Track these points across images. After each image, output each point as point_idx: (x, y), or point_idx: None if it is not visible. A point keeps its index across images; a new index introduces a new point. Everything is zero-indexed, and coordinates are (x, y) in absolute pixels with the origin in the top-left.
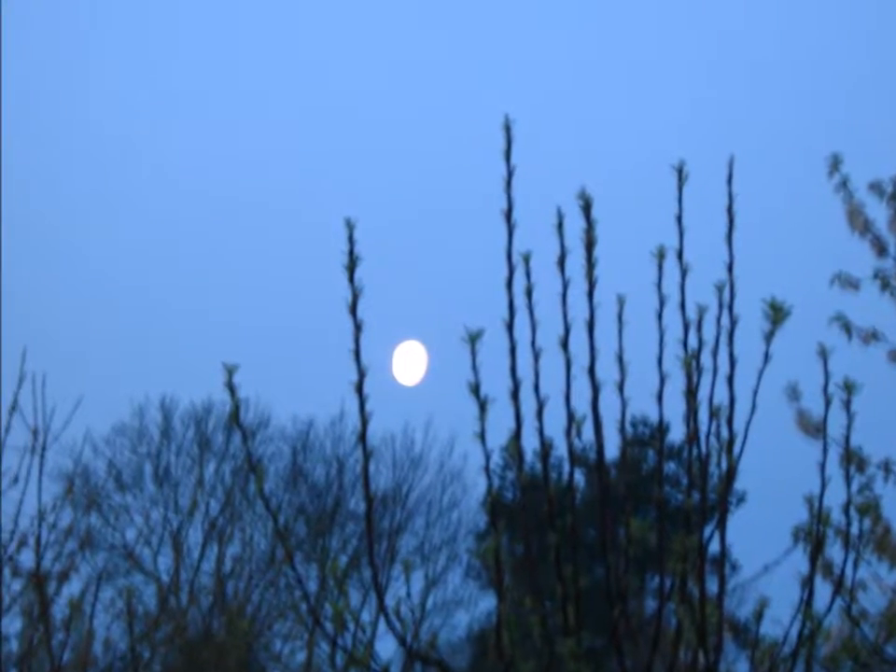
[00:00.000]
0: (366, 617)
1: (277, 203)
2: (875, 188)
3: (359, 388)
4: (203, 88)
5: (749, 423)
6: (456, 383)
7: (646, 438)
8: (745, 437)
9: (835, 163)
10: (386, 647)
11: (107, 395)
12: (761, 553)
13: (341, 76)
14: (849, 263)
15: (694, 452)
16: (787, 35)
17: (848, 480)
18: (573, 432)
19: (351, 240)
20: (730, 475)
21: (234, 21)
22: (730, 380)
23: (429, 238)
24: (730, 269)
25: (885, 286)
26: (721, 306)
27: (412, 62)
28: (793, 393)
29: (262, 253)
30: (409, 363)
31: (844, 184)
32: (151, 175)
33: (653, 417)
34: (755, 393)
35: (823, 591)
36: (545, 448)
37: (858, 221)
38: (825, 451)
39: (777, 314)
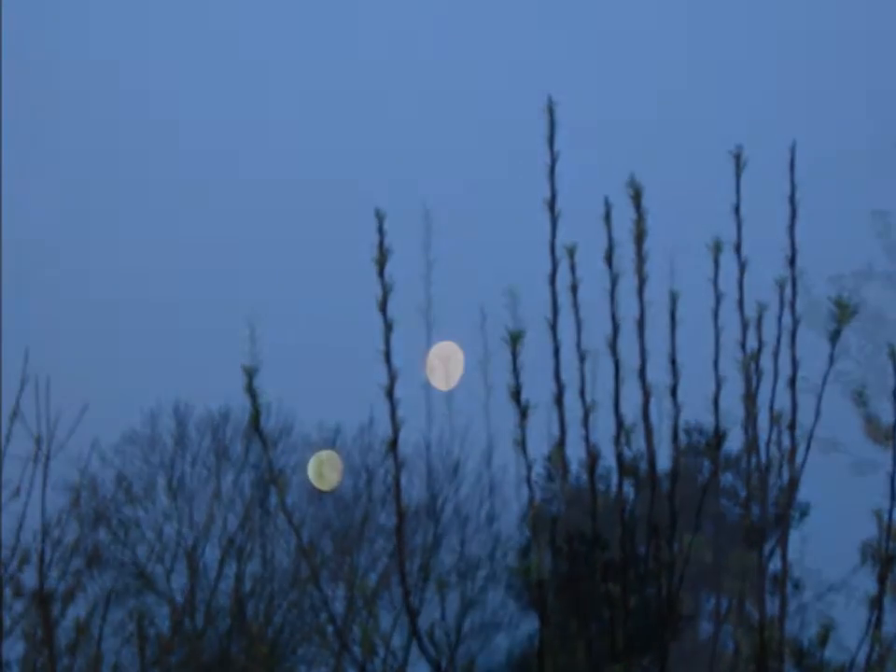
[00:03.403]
0: (397, 641)
1: (300, 196)
2: None
3: (390, 393)
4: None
5: (812, 430)
6: (496, 387)
7: (701, 446)
8: (808, 445)
9: None
10: None
11: (116, 400)
12: (825, 572)
13: (381, 72)
14: None
15: (754, 461)
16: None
17: None
18: (622, 440)
19: (381, 231)
20: (792, 486)
21: (271, 8)
22: (792, 383)
23: (468, 231)
24: (792, 263)
25: None
26: (782, 304)
27: (452, 58)
28: (860, 398)
29: (282, 247)
30: (444, 366)
31: None
32: (161, 172)
33: (709, 424)
34: (819, 398)
35: (893, 612)
36: (592, 458)
37: None
38: (895, 461)
39: (843, 312)
